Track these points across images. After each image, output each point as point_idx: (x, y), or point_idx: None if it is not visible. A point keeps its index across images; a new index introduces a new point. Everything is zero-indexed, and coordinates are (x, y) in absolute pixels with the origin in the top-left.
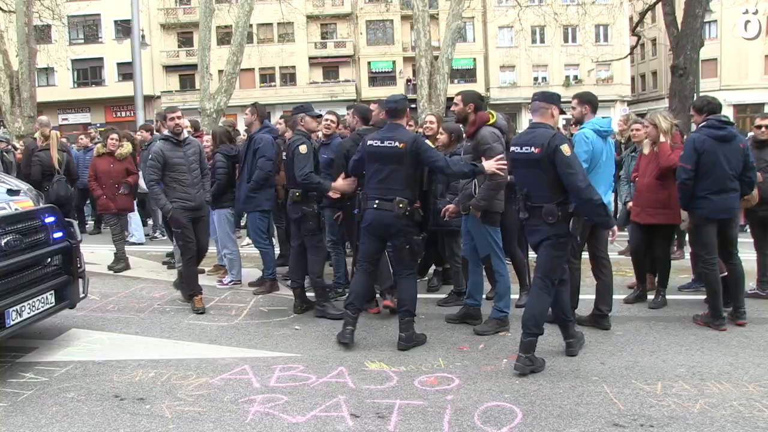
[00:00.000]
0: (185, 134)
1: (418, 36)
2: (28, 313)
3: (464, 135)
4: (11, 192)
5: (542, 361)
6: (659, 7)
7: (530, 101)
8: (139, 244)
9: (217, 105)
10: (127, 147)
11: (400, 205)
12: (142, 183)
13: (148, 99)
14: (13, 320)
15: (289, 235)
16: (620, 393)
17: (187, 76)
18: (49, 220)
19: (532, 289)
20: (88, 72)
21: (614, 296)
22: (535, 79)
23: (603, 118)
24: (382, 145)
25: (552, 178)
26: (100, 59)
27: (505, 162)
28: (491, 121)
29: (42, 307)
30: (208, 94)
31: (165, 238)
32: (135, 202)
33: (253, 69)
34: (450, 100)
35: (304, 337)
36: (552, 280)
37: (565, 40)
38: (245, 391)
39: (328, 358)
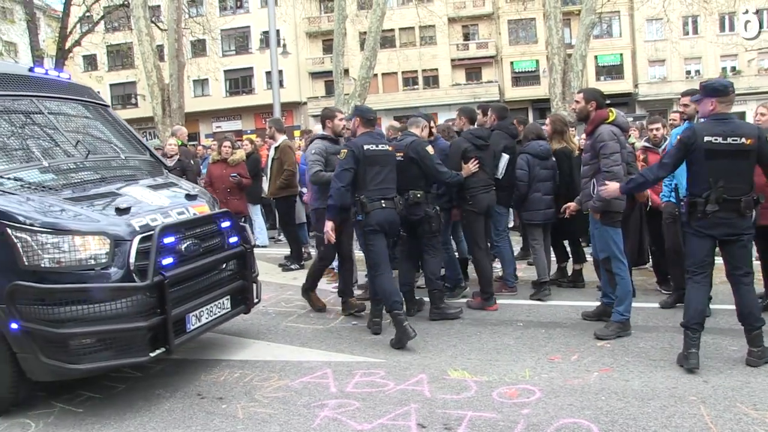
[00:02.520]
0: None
1: (551, 33)
2: (206, 318)
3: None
4: (189, 197)
5: None
6: None
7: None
8: (262, 246)
9: (351, 109)
10: (239, 153)
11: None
12: (266, 188)
13: (295, 105)
14: (193, 325)
15: None
16: (719, 417)
17: (332, 82)
18: (225, 224)
19: (739, 287)
20: (239, 81)
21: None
22: (687, 72)
23: None
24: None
25: (752, 170)
26: (250, 69)
27: (619, 162)
28: (610, 119)
29: (219, 312)
30: (342, 98)
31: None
32: (259, 207)
33: (396, 73)
34: None
35: None
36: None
37: (721, 29)
38: (320, 395)
39: (411, 364)
